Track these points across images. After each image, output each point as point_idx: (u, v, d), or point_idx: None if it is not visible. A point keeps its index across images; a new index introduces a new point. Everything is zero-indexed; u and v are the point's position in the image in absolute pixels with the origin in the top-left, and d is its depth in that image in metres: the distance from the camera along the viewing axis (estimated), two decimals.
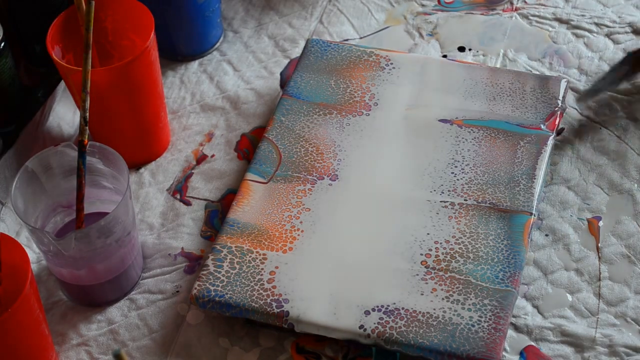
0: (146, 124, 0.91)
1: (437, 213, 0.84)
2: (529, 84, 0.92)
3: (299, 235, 0.83)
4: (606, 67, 0.97)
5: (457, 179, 0.86)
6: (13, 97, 0.94)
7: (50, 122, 0.95)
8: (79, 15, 0.86)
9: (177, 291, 0.85)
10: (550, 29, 1.01)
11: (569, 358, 0.79)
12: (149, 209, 0.90)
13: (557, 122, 0.90)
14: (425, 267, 0.81)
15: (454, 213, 0.84)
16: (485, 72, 0.93)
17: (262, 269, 0.81)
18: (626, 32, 1.00)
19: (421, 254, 0.82)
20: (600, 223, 0.86)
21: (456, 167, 0.87)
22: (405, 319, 0.78)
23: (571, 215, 0.87)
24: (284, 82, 0.99)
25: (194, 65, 1.01)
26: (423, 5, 1.04)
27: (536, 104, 0.91)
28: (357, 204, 0.85)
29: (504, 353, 0.80)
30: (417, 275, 0.80)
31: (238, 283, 0.81)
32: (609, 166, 0.90)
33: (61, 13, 0.88)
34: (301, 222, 0.84)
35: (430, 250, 0.82)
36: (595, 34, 1.00)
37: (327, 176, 0.87)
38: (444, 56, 0.99)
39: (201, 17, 0.98)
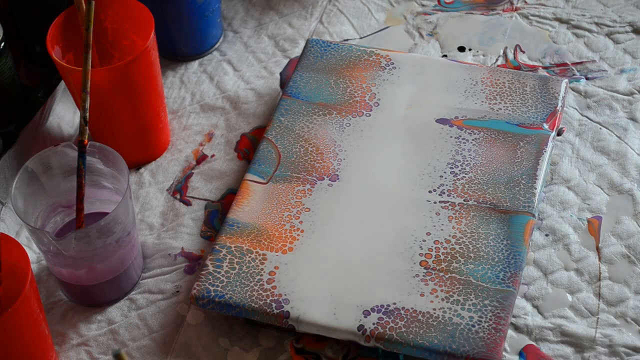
0: (146, 124, 0.91)
1: (437, 213, 0.84)
2: (529, 84, 0.92)
3: (298, 235, 0.83)
4: (606, 67, 0.97)
5: (458, 179, 0.86)
6: (13, 97, 0.94)
7: (50, 122, 0.95)
8: (79, 15, 0.86)
9: (177, 291, 0.85)
10: (550, 28, 1.01)
11: (569, 358, 0.79)
12: (149, 209, 0.90)
13: (557, 122, 0.90)
14: (425, 267, 0.81)
15: (454, 214, 0.84)
16: (485, 72, 0.93)
17: (262, 269, 0.81)
18: (626, 32, 1.00)
19: (421, 255, 0.82)
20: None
21: (456, 167, 0.87)
22: (405, 320, 0.78)
23: (571, 215, 0.87)
24: (284, 82, 0.99)
25: (194, 65, 1.01)
26: (423, 5, 1.04)
27: (536, 104, 0.91)
28: (357, 205, 0.85)
29: (504, 353, 0.80)
30: (417, 276, 0.80)
31: (238, 283, 0.81)
32: (609, 166, 0.90)
33: (61, 13, 0.88)
34: (301, 222, 0.84)
35: (431, 250, 0.82)
36: (595, 34, 1.00)
37: (327, 176, 0.87)
38: (444, 56, 0.99)
39: (201, 17, 0.98)
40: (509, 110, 0.90)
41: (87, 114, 0.79)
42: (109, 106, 0.88)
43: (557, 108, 0.90)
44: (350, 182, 0.87)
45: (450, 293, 0.79)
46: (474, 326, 0.77)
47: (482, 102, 0.91)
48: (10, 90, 0.94)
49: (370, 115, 0.91)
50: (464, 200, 0.85)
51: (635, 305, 0.82)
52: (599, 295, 0.82)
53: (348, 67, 0.95)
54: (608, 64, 0.97)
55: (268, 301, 0.79)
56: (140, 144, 0.92)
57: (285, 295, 0.80)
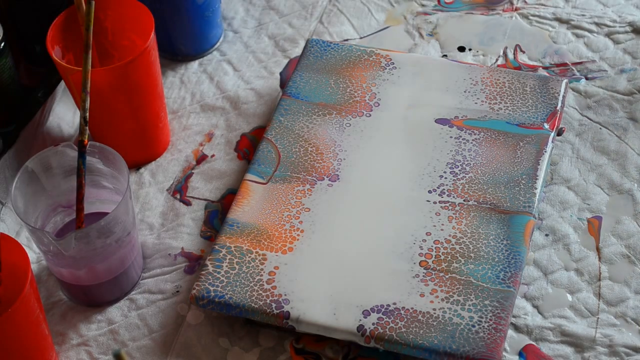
0: (146, 124, 0.91)
1: (437, 213, 0.84)
2: (529, 84, 0.92)
3: (298, 235, 0.83)
4: (606, 67, 0.97)
5: (458, 180, 0.86)
6: (13, 97, 0.94)
7: (50, 122, 0.95)
8: (79, 15, 0.86)
9: (177, 291, 0.85)
10: (550, 29, 1.01)
11: (569, 358, 0.79)
12: (149, 209, 0.90)
13: (557, 122, 0.90)
14: (425, 267, 0.81)
15: (454, 214, 0.84)
16: (485, 72, 0.93)
17: (262, 269, 0.81)
18: (626, 32, 1.00)
19: (421, 255, 0.82)
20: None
21: (456, 167, 0.87)
22: (405, 320, 0.78)
23: (571, 215, 0.87)
24: (284, 82, 0.99)
25: (194, 65, 1.01)
26: (423, 5, 1.04)
27: (536, 104, 0.91)
28: (357, 205, 0.85)
29: (504, 353, 0.80)
30: (417, 276, 0.80)
31: (238, 283, 0.81)
32: (609, 166, 0.90)
33: (61, 13, 0.88)
34: (301, 222, 0.84)
35: (431, 250, 0.82)
36: (595, 34, 1.00)
37: (327, 177, 0.87)
38: (444, 56, 0.99)
39: (201, 17, 0.98)
40: (509, 110, 0.90)
41: (87, 114, 0.79)
42: (108, 106, 0.88)
43: (557, 108, 0.90)
44: (350, 182, 0.87)
45: (450, 293, 0.79)
46: (474, 326, 0.77)
47: (482, 102, 0.91)
48: (10, 90, 0.94)
49: (370, 115, 0.91)
50: (464, 200, 0.85)
51: (635, 305, 0.82)
52: (599, 295, 0.82)
53: (348, 67, 0.95)
54: (608, 64, 0.97)
55: (268, 301, 0.79)
56: (140, 144, 0.92)
57: (285, 295, 0.80)
